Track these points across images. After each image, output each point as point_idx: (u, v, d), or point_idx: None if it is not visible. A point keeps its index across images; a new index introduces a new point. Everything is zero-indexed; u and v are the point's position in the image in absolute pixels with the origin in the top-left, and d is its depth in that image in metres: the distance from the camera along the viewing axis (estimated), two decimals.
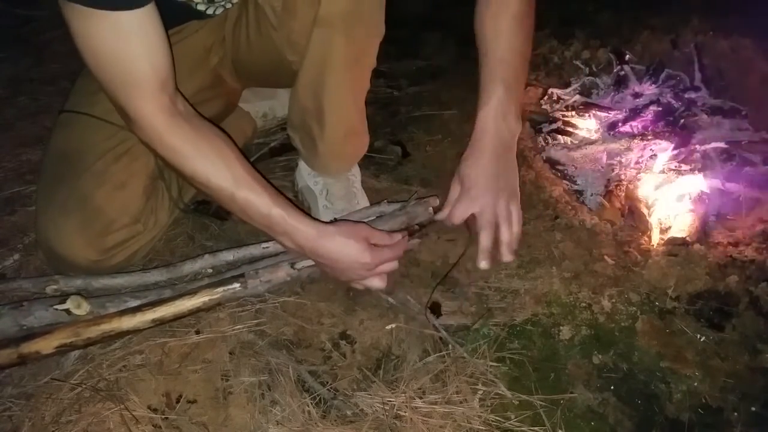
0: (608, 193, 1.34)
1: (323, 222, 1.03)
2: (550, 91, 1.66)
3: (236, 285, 1.00)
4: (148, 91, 0.86)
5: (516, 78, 1.05)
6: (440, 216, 1.10)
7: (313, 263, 1.04)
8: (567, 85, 1.69)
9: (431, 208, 1.15)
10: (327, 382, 0.96)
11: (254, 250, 1.09)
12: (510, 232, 1.09)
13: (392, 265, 1.03)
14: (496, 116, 1.04)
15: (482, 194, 1.06)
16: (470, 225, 1.10)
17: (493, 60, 1.04)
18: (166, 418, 0.90)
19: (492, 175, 1.06)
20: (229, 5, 1.10)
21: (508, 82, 1.04)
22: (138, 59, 0.83)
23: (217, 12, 1.10)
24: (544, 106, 1.64)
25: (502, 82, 1.04)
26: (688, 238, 1.20)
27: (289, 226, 0.96)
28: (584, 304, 1.08)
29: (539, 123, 1.57)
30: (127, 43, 0.82)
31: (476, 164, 1.05)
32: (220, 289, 0.99)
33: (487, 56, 1.05)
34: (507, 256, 1.10)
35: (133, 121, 0.89)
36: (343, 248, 0.97)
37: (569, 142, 1.51)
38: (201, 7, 1.06)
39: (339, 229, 0.99)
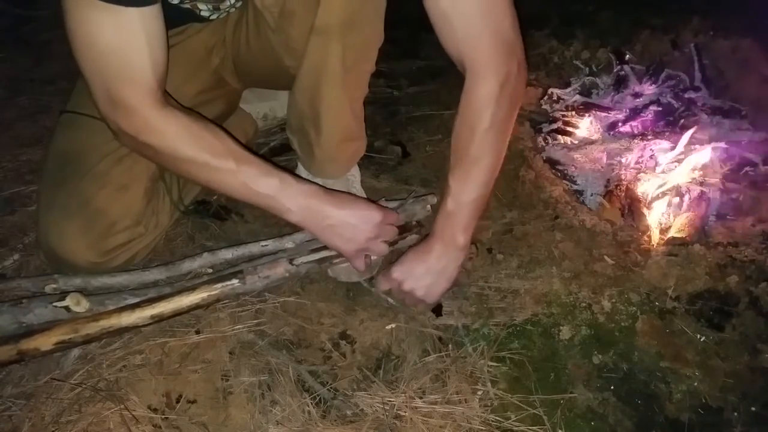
0: (608, 193, 1.34)
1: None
2: (550, 91, 1.66)
3: (235, 281, 1.00)
4: (145, 85, 0.86)
5: (478, 198, 1.01)
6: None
7: (312, 259, 1.03)
8: (567, 85, 1.69)
9: (429, 206, 1.15)
10: (327, 382, 0.96)
11: (253, 248, 1.09)
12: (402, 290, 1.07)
13: (394, 231, 1.04)
14: (452, 233, 1.02)
15: (406, 282, 1.05)
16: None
17: (458, 182, 0.99)
18: (166, 418, 0.90)
19: (422, 273, 1.04)
20: (232, 10, 1.10)
21: (469, 207, 1.00)
22: (139, 54, 0.84)
23: (221, 17, 1.10)
24: (544, 106, 1.64)
25: (462, 207, 1.00)
26: (688, 238, 1.20)
27: (295, 187, 0.95)
28: (584, 304, 1.08)
29: (539, 123, 1.57)
30: (131, 39, 0.82)
31: (417, 258, 1.05)
32: (219, 285, 0.99)
33: (452, 175, 1.00)
34: (380, 282, 1.09)
35: (125, 113, 0.88)
36: (353, 203, 0.98)
37: (569, 142, 1.51)
38: (205, 14, 1.06)
39: (343, 192, 1.01)
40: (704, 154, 1.34)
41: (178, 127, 0.90)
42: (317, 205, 0.96)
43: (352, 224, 0.98)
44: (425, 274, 1.04)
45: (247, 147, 0.98)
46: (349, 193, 1.04)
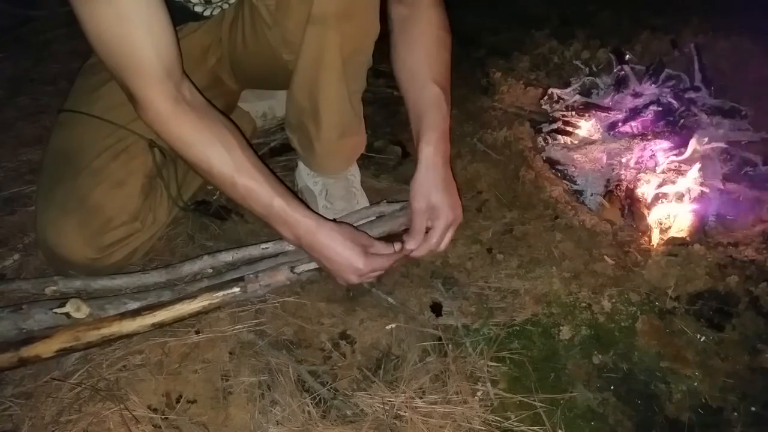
0: (608, 193, 1.34)
1: (324, 217, 1.02)
2: (550, 91, 1.66)
3: (236, 289, 1.00)
4: (153, 77, 0.87)
5: (448, 107, 1.05)
6: (417, 253, 1.05)
7: (313, 267, 1.04)
8: (567, 85, 1.69)
9: None
10: (327, 382, 0.96)
11: (253, 251, 1.09)
12: (436, 244, 1.06)
13: (384, 262, 1.02)
14: (441, 152, 1.03)
15: (447, 213, 1.04)
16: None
17: (427, 92, 1.04)
18: (166, 418, 0.90)
19: (451, 194, 1.05)
20: (225, 5, 1.10)
21: (443, 115, 1.04)
22: (142, 46, 0.84)
23: (215, 13, 1.10)
24: (544, 106, 1.64)
25: (440, 119, 1.03)
26: (688, 238, 1.20)
27: (288, 216, 0.96)
28: (584, 304, 1.08)
29: (539, 123, 1.57)
30: (131, 30, 0.83)
31: (437, 191, 1.03)
32: (220, 293, 1.00)
33: (421, 89, 1.05)
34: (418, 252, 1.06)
35: (140, 105, 0.90)
36: (339, 248, 0.97)
37: (569, 142, 1.51)
38: (198, 9, 1.06)
39: (339, 227, 0.99)
40: (704, 155, 1.35)
41: (187, 130, 0.92)
42: (305, 239, 0.97)
43: (333, 268, 0.99)
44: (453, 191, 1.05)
45: (253, 149, 0.98)
46: (348, 227, 1.01)
